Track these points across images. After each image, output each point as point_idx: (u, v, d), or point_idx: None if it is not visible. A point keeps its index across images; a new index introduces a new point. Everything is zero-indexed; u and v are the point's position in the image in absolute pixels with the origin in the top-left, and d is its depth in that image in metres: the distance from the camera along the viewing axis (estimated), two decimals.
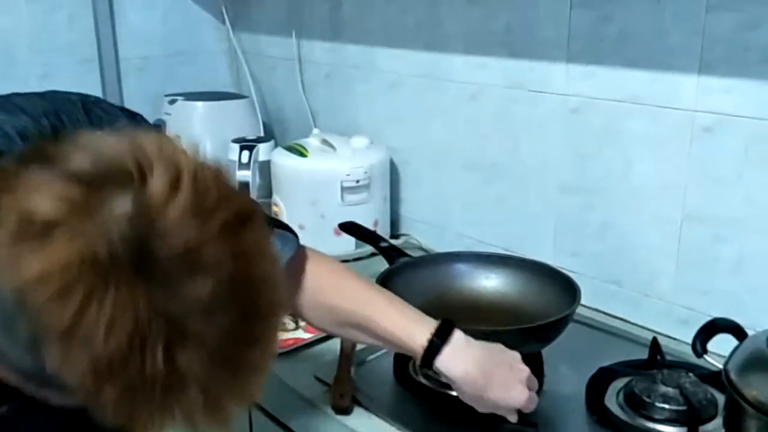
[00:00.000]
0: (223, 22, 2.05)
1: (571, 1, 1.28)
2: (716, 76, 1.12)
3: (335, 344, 1.19)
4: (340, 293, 0.96)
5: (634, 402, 1.03)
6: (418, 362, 0.91)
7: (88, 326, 0.45)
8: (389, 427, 1.01)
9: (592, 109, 1.29)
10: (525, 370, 0.93)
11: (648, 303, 1.28)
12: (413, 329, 0.92)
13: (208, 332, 0.48)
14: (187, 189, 0.49)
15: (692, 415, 0.97)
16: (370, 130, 1.71)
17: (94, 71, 1.91)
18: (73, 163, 0.48)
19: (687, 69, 1.14)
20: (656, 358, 1.13)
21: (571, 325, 1.10)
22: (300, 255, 0.95)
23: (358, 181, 1.57)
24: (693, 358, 1.08)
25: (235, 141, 1.75)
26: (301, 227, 1.58)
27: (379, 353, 1.17)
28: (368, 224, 1.49)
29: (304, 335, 1.25)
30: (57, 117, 0.73)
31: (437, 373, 0.92)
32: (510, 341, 1.02)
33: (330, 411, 1.04)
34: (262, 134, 1.90)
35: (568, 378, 1.12)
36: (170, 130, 1.83)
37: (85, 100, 0.78)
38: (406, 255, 1.27)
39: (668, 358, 1.14)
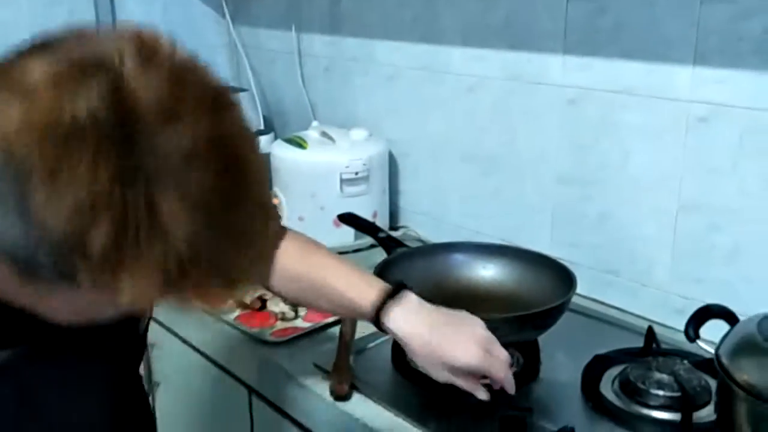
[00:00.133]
0: (223, 15, 2.06)
1: None
2: (711, 67, 1.13)
3: (334, 333, 1.20)
4: (302, 261, 0.98)
5: (629, 389, 1.04)
6: (371, 321, 0.92)
7: (71, 167, 0.46)
8: (387, 413, 1.02)
9: (589, 101, 1.30)
10: (485, 334, 0.92)
11: (644, 292, 1.29)
12: (366, 290, 0.93)
13: (189, 185, 0.49)
14: (167, 63, 0.52)
15: (686, 401, 0.98)
16: (369, 123, 1.72)
17: None
18: (65, 48, 0.51)
19: (682, 60, 1.16)
20: (651, 346, 1.15)
21: (567, 315, 1.11)
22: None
23: (357, 173, 1.58)
24: (688, 346, 1.09)
25: None
26: (300, 219, 1.60)
27: (378, 341, 1.18)
28: (367, 216, 1.50)
29: (303, 324, 1.26)
30: None
31: (388, 332, 0.92)
32: (506, 329, 1.04)
33: (329, 398, 1.05)
34: (262, 127, 1.91)
35: (564, 366, 1.13)
36: None
37: None
38: (405, 245, 1.29)
39: (663, 346, 1.15)
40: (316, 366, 1.13)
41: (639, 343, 1.16)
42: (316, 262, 0.98)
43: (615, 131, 1.27)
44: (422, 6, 1.56)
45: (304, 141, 1.63)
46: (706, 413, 0.99)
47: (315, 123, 1.71)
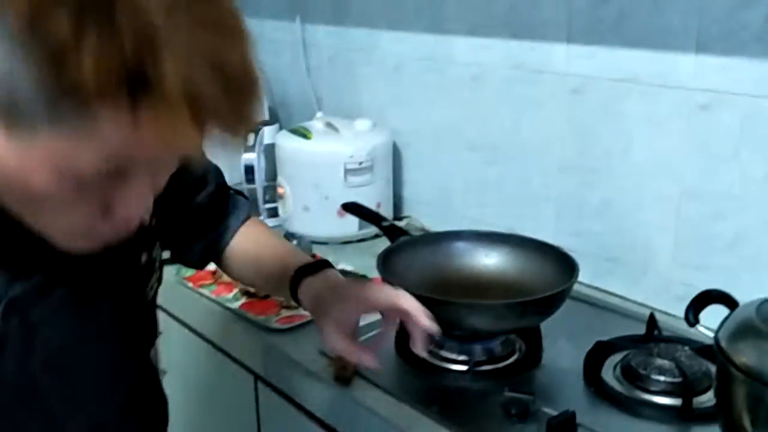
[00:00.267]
0: None
1: None
2: (713, 55, 1.13)
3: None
4: (252, 240, 1.02)
5: (631, 374, 1.05)
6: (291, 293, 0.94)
7: None
8: (391, 398, 1.03)
9: (592, 89, 1.31)
10: (395, 289, 0.92)
11: (646, 280, 1.30)
12: (291, 262, 0.95)
13: None
14: None
15: (687, 386, 0.99)
16: (373, 113, 1.73)
17: None
18: None
19: (684, 48, 1.16)
20: (653, 333, 1.15)
21: (570, 302, 1.12)
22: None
23: (361, 163, 1.59)
24: (690, 333, 1.10)
25: None
26: (305, 209, 1.61)
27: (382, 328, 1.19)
28: (371, 206, 1.50)
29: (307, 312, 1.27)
30: None
31: (301, 301, 0.93)
32: (509, 315, 1.05)
33: (333, 383, 1.06)
34: (267, 118, 1.91)
35: (567, 352, 1.14)
36: None
37: None
38: (408, 234, 1.29)
39: (665, 333, 1.16)
40: (321, 352, 1.14)
41: (641, 330, 1.17)
42: (262, 242, 1.03)
43: (618, 120, 1.28)
44: None
45: (309, 131, 1.64)
46: (707, 398, 1.00)
47: (319, 113, 1.72)
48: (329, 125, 1.65)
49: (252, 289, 1.31)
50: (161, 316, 1.36)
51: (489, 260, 1.24)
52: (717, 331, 0.82)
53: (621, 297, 1.33)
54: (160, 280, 0.85)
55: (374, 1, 1.70)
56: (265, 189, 1.74)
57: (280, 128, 1.75)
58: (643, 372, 1.04)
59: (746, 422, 0.78)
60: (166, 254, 0.91)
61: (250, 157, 1.73)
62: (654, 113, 1.23)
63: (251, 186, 1.73)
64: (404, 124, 1.70)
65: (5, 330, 0.65)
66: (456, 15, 1.51)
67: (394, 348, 1.15)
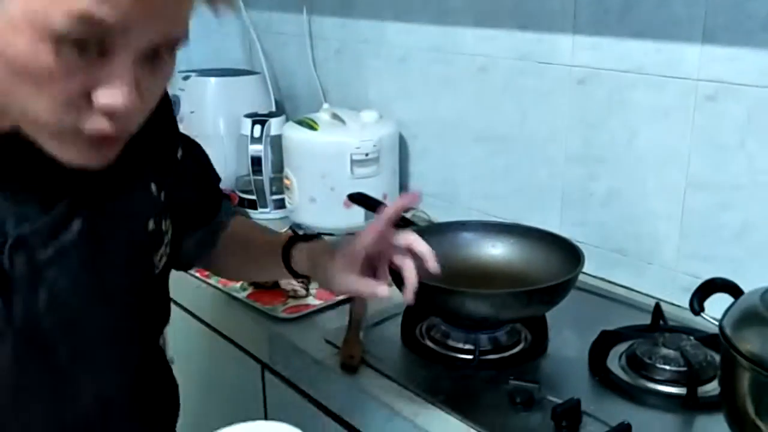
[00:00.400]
0: None
1: None
2: (719, 45, 1.13)
3: (344, 310, 1.22)
4: (238, 230, 1.05)
5: (636, 363, 1.06)
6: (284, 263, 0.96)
7: None
8: (397, 386, 1.04)
9: (598, 80, 1.31)
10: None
11: (652, 271, 1.30)
12: (281, 239, 0.98)
13: None
14: None
15: (692, 375, 0.99)
16: (379, 105, 1.73)
17: None
18: None
19: (690, 38, 1.16)
20: (658, 323, 1.16)
21: (575, 293, 1.12)
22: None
23: (367, 155, 1.59)
24: (695, 324, 1.11)
25: (248, 116, 1.77)
26: (311, 200, 1.61)
27: (387, 316, 1.21)
28: (377, 197, 1.52)
29: (314, 302, 1.28)
30: None
31: (296, 265, 0.95)
32: (515, 303, 1.05)
33: (340, 371, 1.07)
34: (273, 109, 1.92)
35: (572, 342, 1.15)
36: (184, 106, 1.86)
37: None
38: (414, 224, 1.30)
39: (670, 323, 1.17)
40: (327, 341, 1.15)
41: (646, 320, 1.17)
42: (249, 226, 1.08)
43: (624, 110, 1.28)
44: None
45: (315, 123, 1.64)
46: (712, 388, 1.00)
47: (326, 105, 1.72)
48: (336, 116, 1.66)
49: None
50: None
51: (495, 250, 1.25)
52: (722, 319, 0.82)
53: (627, 288, 1.34)
54: (169, 257, 0.86)
55: None
56: (272, 180, 1.75)
57: (287, 120, 1.76)
58: (648, 361, 1.04)
59: (750, 409, 0.78)
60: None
61: (256, 148, 1.73)
62: (660, 104, 1.23)
63: (258, 177, 1.74)
64: (410, 116, 1.70)
65: (12, 268, 0.66)
66: (462, 6, 1.51)
67: (400, 337, 1.16)
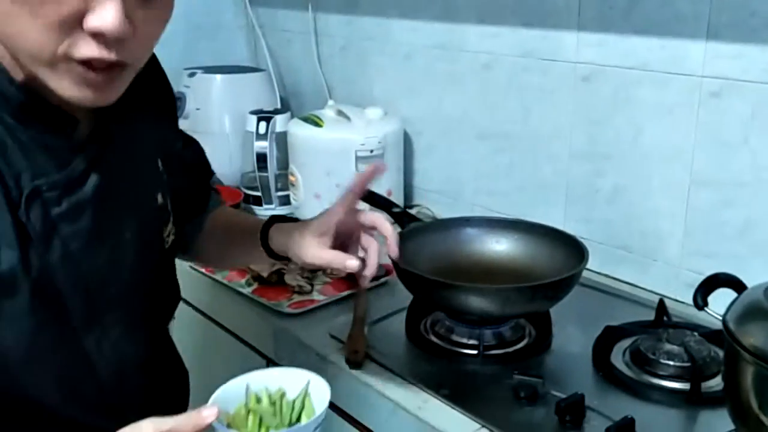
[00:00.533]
0: None
1: None
2: (723, 42, 1.13)
3: (349, 306, 1.23)
4: (220, 217, 1.08)
5: (640, 359, 1.06)
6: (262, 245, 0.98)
7: None
8: (401, 380, 1.04)
9: (602, 77, 1.31)
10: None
11: (656, 267, 1.30)
12: (261, 221, 1.01)
13: None
14: None
15: (695, 371, 0.99)
16: (384, 102, 1.73)
17: None
18: None
19: (695, 35, 1.16)
20: (662, 319, 1.16)
21: (579, 289, 1.12)
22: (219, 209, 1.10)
23: (372, 151, 1.60)
24: (699, 320, 1.11)
25: (253, 113, 1.78)
26: (316, 196, 1.62)
27: (391, 311, 1.21)
28: (382, 194, 1.52)
29: (319, 297, 1.29)
30: None
31: (273, 243, 0.97)
32: (519, 298, 1.06)
33: (344, 365, 1.08)
34: (279, 106, 1.93)
35: (576, 338, 1.15)
36: (190, 103, 1.86)
37: None
38: (419, 220, 1.30)
39: (674, 319, 1.17)
40: (332, 336, 1.16)
41: (650, 316, 1.17)
42: (231, 213, 1.13)
43: (628, 107, 1.28)
44: None
45: (320, 119, 1.65)
46: (715, 383, 1.01)
47: (331, 102, 1.73)
48: (341, 113, 1.66)
49: (265, 274, 1.33)
50: None
51: (499, 246, 1.25)
52: (725, 314, 0.82)
53: (631, 284, 1.34)
54: (176, 236, 0.90)
55: None
56: (277, 177, 1.75)
57: (292, 116, 1.76)
58: (652, 357, 1.05)
59: (754, 404, 0.78)
60: None
61: (262, 145, 1.74)
62: (664, 101, 1.23)
63: (263, 174, 1.74)
64: (415, 113, 1.71)
65: (29, 221, 0.69)
66: (467, 3, 1.52)
67: (405, 332, 1.16)
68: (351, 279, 1.32)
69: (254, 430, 0.72)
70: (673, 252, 1.27)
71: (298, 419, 0.76)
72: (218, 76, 1.89)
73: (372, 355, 1.09)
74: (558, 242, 1.19)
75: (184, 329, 1.49)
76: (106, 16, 0.61)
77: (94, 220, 0.73)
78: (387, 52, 1.74)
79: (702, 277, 0.97)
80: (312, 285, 1.32)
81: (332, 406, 1.12)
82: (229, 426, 0.70)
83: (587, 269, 1.13)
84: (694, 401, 0.98)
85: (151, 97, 0.88)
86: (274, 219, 0.99)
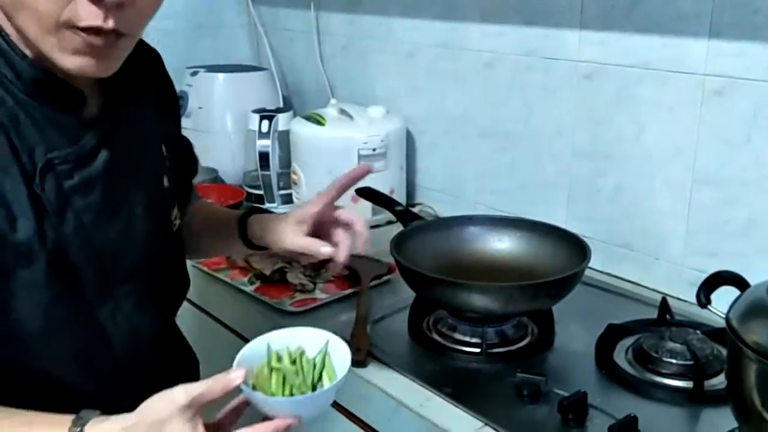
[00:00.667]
0: None
1: None
2: (726, 40, 1.13)
3: (351, 305, 1.23)
4: (200, 211, 1.10)
5: (643, 357, 1.06)
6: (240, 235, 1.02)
7: None
8: (404, 378, 1.04)
9: (605, 76, 1.31)
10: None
11: (658, 266, 1.30)
12: (239, 213, 1.04)
13: None
14: None
15: (698, 369, 0.99)
16: (386, 100, 1.74)
17: None
18: None
19: (697, 33, 1.16)
20: (665, 317, 1.16)
21: (582, 288, 1.13)
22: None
23: (374, 150, 1.60)
24: (702, 318, 1.11)
25: (255, 111, 1.78)
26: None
27: (394, 310, 1.21)
28: (385, 192, 1.52)
29: (321, 296, 1.29)
30: None
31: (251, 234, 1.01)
32: (521, 296, 1.06)
33: None
34: (281, 105, 1.93)
35: (579, 336, 1.15)
36: (192, 102, 1.86)
37: None
38: (422, 219, 1.31)
39: (677, 317, 1.17)
40: (334, 335, 1.15)
41: (653, 315, 1.18)
42: (212, 207, 1.18)
43: (631, 106, 1.28)
44: None
45: (323, 118, 1.65)
46: (718, 381, 1.01)
47: (333, 101, 1.73)
48: (343, 112, 1.66)
49: (267, 272, 1.33)
50: None
51: (501, 244, 1.25)
52: (728, 312, 0.82)
53: (633, 282, 1.34)
54: (181, 220, 0.93)
55: None
56: (280, 175, 1.75)
57: (294, 115, 1.77)
58: (654, 355, 1.05)
59: (757, 402, 0.78)
60: None
61: (264, 144, 1.74)
62: (667, 99, 1.23)
63: (266, 172, 1.74)
64: (417, 111, 1.71)
65: (44, 192, 0.71)
66: (469, 2, 1.52)
67: (407, 331, 1.16)
68: (353, 278, 1.32)
69: (278, 391, 0.74)
70: (676, 250, 1.27)
71: (320, 378, 0.77)
72: (220, 75, 1.89)
73: (374, 353, 1.10)
74: (560, 240, 1.19)
75: (186, 327, 1.49)
76: None
77: (104, 194, 0.76)
78: (389, 50, 1.74)
79: (705, 275, 0.97)
80: (314, 283, 1.32)
81: (335, 404, 1.13)
82: (254, 388, 0.71)
83: (590, 268, 1.13)
84: (697, 399, 0.98)
85: (156, 93, 0.90)
86: (252, 211, 1.03)
